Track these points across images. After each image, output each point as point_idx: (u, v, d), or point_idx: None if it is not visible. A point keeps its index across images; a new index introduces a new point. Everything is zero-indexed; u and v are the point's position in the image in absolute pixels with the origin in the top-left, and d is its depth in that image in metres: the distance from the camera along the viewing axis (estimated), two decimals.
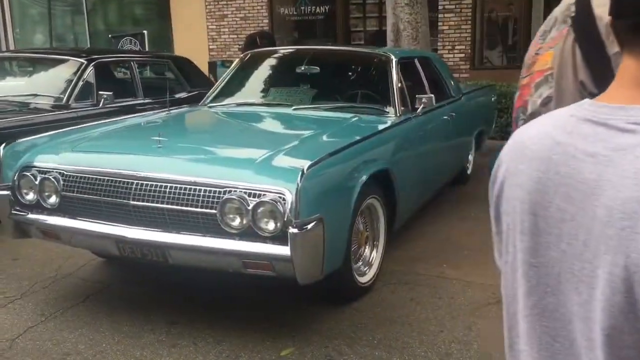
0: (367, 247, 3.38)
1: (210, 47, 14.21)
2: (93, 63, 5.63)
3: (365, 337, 2.91)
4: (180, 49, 13.25)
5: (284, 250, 2.61)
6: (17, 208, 3.21)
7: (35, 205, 3.17)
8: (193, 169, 2.84)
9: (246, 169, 2.79)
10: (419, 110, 4.08)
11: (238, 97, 4.43)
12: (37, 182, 3.10)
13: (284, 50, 5.53)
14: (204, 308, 3.26)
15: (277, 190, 2.63)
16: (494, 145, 7.20)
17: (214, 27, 14.10)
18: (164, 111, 4.31)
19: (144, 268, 3.71)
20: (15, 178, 3.18)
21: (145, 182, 2.84)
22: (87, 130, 3.65)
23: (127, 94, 6.00)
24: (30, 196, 3.16)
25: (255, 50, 4.93)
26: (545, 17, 1.56)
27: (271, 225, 2.64)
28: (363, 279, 3.30)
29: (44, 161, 3.17)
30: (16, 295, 3.46)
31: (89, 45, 15.30)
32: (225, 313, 3.20)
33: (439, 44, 11.57)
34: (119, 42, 9.84)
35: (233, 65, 4.80)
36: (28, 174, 3.14)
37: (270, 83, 4.50)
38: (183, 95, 6.55)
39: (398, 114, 3.94)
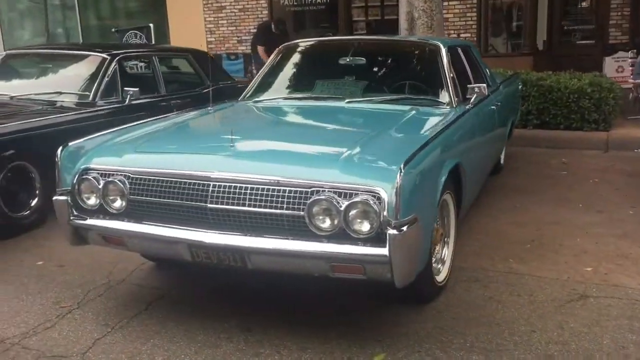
0: (440, 244, 3.26)
1: (209, 39, 13.95)
2: (117, 58, 5.43)
3: (456, 340, 2.79)
4: (177, 42, 12.97)
5: (380, 252, 2.48)
6: (76, 213, 3.03)
7: (97, 210, 2.99)
8: (274, 169, 2.68)
9: (332, 167, 2.64)
10: (472, 100, 3.96)
11: (282, 92, 4.26)
12: (100, 186, 2.93)
13: (324, 41, 5.36)
14: (275, 313, 3.12)
15: (371, 189, 2.50)
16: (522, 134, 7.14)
17: (212, 19, 13.84)
18: (207, 108, 4.13)
19: (198, 272, 3.56)
20: (74, 182, 3.00)
21: (223, 184, 2.68)
22: (138, 130, 3.47)
23: (149, 89, 5.81)
24: (92, 201, 2.99)
25: (293, 42, 4.76)
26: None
27: (365, 227, 2.51)
28: (439, 278, 3.19)
29: (106, 163, 2.99)
30: (73, 305, 3.29)
31: (81, 41, 14.96)
32: (298, 318, 3.06)
33: (444, 32, 11.45)
34: (123, 36, 9.57)
35: (270, 58, 4.63)
36: (89, 177, 2.96)
37: (313, 76, 4.33)
38: (204, 89, 6.37)
39: (454, 105, 3.82)
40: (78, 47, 6.47)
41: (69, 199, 3.02)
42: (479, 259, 3.73)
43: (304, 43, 4.73)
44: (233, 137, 2.98)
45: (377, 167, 2.66)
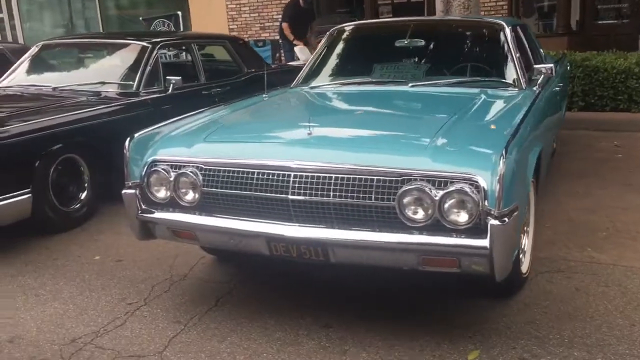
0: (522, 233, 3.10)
1: (230, 26, 13.75)
2: (158, 46, 5.29)
3: (552, 335, 2.64)
4: (198, 29, 12.80)
5: (480, 244, 2.32)
6: (145, 207, 2.91)
7: (167, 204, 2.87)
8: (360, 157, 2.53)
9: (422, 154, 2.48)
10: (539, 81, 3.77)
11: (338, 77, 4.10)
12: (171, 179, 2.80)
13: (379, 22, 5.18)
14: (352, 309, 2.99)
15: (469, 177, 2.34)
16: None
17: (234, 5, 13.63)
18: (261, 95, 3.98)
19: (261, 265, 3.43)
20: (143, 174, 2.87)
21: (306, 174, 2.54)
22: (198, 119, 3.33)
23: (189, 78, 5.67)
24: (162, 193, 2.86)
25: (344, 24, 4.59)
26: None
27: (463, 217, 2.36)
28: (522, 269, 3.03)
29: (176, 154, 2.85)
30: (139, 302, 3.18)
31: (101, 30, 14.85)
32: (376, 313, 2.93)
33: (480, 12, 11.19)
34: (150, 24, 9.43)
35: (322, 42, 4.46)
36: (159, 169, 2.83)
37: (369, 59, 4.15)
38: (242, 77, 6.22)
39: (523, 87, 3.64)
40: (116, 36, 6.33)
41: (137, 192, 2.90)
42: (555, 248, 3.56)
43: (357, 25, 4.56)
44: (307, 124, 2.83)
45: (474, 153, 2.50)
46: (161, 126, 3.16)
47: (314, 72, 4.25)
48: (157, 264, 3.65)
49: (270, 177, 2.60)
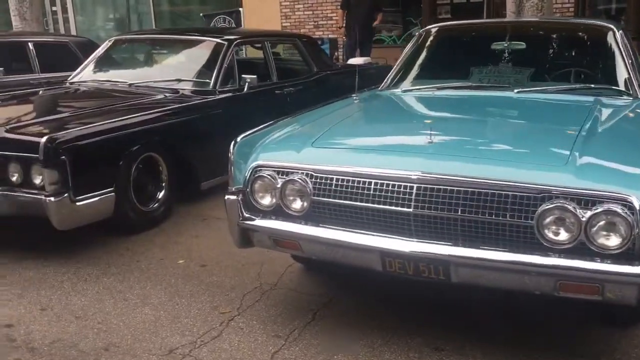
0: None
1: (284, 24, 13.64)
2: (234, 43, 5.17)
3: None
4: (251, 27, 12.73)
5: (632, 271, 2.10)
6: (247, 214, 2.76)
7: (271, 211, 2.72)
8: (492, 170, 2.33)
9: (564, 170, 2.26)
10: None
11: (432, 80, 3.87)
12: (278, 185, 2.65)
13: (473, 23, 4.95)
14: (461, 330, 2.79)
15: (622, 197, 2.11)
16: None
17: (288, 3, 13.51)
18: (351, 97, 3.81)
19: (355, 277, 3.25)
20: (247, 180, 2.73)
21: (430, 186, 2.35)
22: (297, 123, 3.17)
23: (261, 76, 5.52)
24: (267, 201, 2.71)
25: (436, 25, 4.37)
26: None
27: (614, 241, 2.13)
28: None
29: (282, 160, 2.69)
30: (232, 311, 3.05)
31: (154, 26, 14.93)
32: (493, 337, 2.72)
33: (553, 14, 10.82)
34: (211, 21, 9.36)
35: (411, 43, 4.26)
36: (264, 174, 2.68)
37: (464, 62, 3.94)
38: (313, 77, 6.06)
39: (638, 95, 3.37)
40: (190, 32, 6.25)
41: (240, 197, 2.75)
42: None
43: (447, 26, 4.35)
44: (424, 131, 2.64)
45: (625, 170, 2.27)
46: (262, 129, 3.01)
47: (404, 74, 4.05)
48: (244, 271, 3.51)
49: (390, 188, 2.42)
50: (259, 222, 2.74)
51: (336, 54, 10.70)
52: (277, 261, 3.55)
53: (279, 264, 3.54)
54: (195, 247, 3.91)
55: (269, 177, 2.67)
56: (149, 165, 4.22)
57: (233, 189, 2.78)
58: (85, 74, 5.38)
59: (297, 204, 2.63)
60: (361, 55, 8.57)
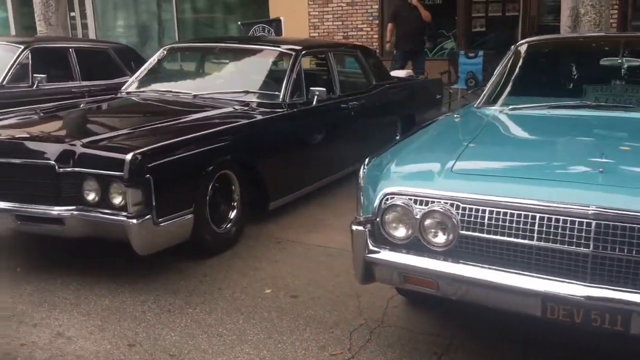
0: None
1: (312, 34, 13.39)
2: (302, 54, 4.89)
3: None
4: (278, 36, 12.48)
5: None
6: (373, 247, 2.45)
7: (403, 245, 2.41)
8: None
9: None
10: None
11: (538, 97, 3.55)
12: (417, 216, 2.34)
13: (577, 37, 4.65)
14: None
15: None
16: None
17: (317, 13, 13.29)
18: (452, 114, 3.51)
19: (474, 314, 2.93)
20: (377, 208, 2.42)
21: (613, 224, 2.04)
22: (421, 143, 2.87)
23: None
24: (402, 233, 2.39)
25: (534, 38, 4.08)
26: None
27: None
28: None
29: (420, 187, 2.39)
30: (344, 352, 2.73)
31: (177, 33, 14.70)
32: None
33: (610, 29, 10.53)
34: (249, 29, 9.08)
35: (507, 57, 3.95)
36: (399, 203, 2.37)
37: (571, 78, 3.65)
38: (372, 89, 5.77)
39: None
40: (252, 41, 5.97)
41: (368, 228, 2.44)
42: None
43: (549, 40, 4.06)
44: (580, 157, 2.35)
45: None
46: (387, 150, 2.70)
47: (501, 90, 3.74)
48: (341, 304, 3.19)
49: (561, 224, 2.11)
50: (388, 255, 2.43)
51: None
52: (375, 293, 3.24)
53: (377, 297, 3.22)
54: (277, 274, 3.59)
55: (404, 205, 2.36)
56: (222, 183, 3.91)
57: (361, 219, 2.47)
58: (141, 84, 5.08)
59: (441, 239, 2.32)
60: (414, 66, 8.30)
